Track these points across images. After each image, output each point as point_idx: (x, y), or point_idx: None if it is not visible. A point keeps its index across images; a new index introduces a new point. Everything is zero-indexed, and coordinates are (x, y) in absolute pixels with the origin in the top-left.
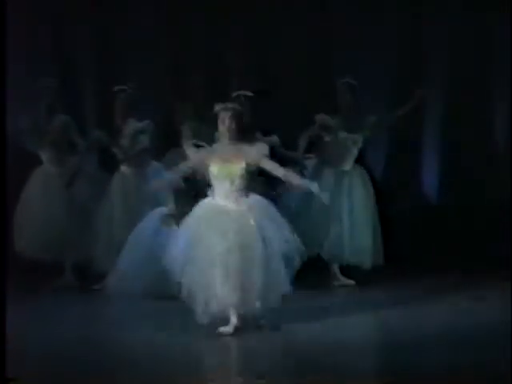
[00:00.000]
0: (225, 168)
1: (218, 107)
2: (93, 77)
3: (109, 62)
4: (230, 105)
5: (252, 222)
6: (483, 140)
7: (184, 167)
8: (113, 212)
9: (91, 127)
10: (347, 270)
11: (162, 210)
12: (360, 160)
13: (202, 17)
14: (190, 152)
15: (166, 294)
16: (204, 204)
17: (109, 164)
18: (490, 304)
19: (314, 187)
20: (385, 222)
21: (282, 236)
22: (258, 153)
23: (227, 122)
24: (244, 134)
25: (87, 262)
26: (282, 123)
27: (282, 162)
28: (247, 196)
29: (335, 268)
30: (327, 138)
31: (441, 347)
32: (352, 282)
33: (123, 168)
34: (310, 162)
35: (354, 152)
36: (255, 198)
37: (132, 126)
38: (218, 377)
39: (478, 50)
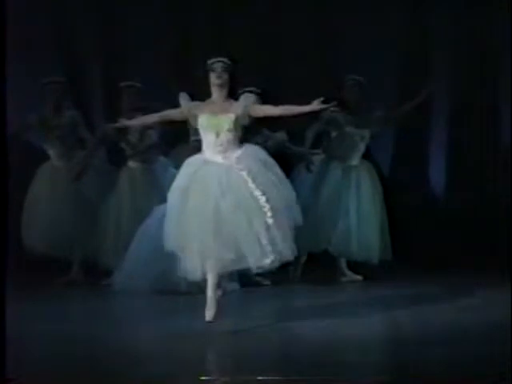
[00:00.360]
0: (213, 119)
1: (210, 61)
2: (100, 72)
3: (116, 58)
4: (222, 58)
5: (242, 173)
6: (489, 137)
7: (173, 111)
8: (120, 207)
9: (99, 123)
10: (355, 266)
11: None
12: (367, 155)
13: (207, 14)
14: (184, 101)
15: (172, 289)
16: (191, 160)
17: (117, 159)
18: (494, 301)
19: (313, 106)
20: (393, 217)
21: (280, 190)
22: (246, 102)
23: (219, 76)
24: (233, 93)
25: (95, 257)
26: (289, 119)
27: (290, 157)
28: (238, 148)
29: (342, 263)
30: (334, 134)
31: (446, 343)
32: (359, 277)
33: (131, 163)
34: (318, 158)
35: (362, 147)
36: (247, 149)
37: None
38: (219, 372)
39: (484, 48)
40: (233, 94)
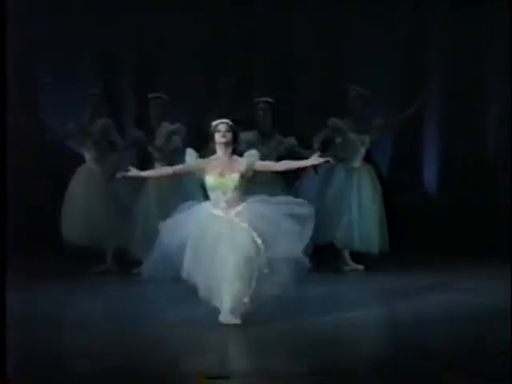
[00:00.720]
0: (219, 179)
1: (215, 122)
2: (131, 84)
3: (145, 71)
4: (225, 120)
5: (242, 224)
6: (480, 140)
7: (181, 167)
8: (148, 204)
9: (129, 129)
10: (357, 256)
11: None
12: (368, 158)
13: (226, 28)
14: (190, 158)
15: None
16: (199, 211)
17: (145, 161)
18: (490, 290)
19: (312, 160)
20: (391, 213)
21: (284, 236)
22: (249, 160)
23: (223, 135)
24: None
25: (126, 249)
26: (299, 126)
27: (299, 159)
28: (240, 203)
29: (346, 254)
30: (338, 139)
31: (441, 329)
32: (361, 266)
33: (158, 165)
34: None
35: (362, 151)
36: (248, 204)
37: (165, 128)
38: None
39: (479, 52)
40: (235, 152)
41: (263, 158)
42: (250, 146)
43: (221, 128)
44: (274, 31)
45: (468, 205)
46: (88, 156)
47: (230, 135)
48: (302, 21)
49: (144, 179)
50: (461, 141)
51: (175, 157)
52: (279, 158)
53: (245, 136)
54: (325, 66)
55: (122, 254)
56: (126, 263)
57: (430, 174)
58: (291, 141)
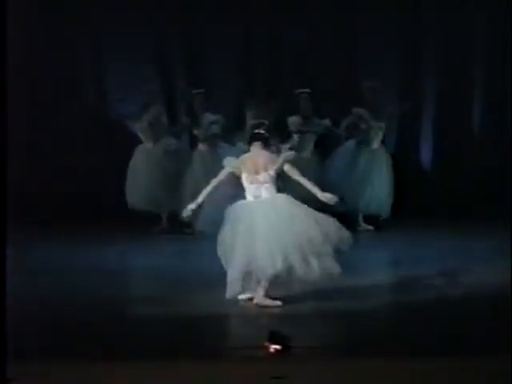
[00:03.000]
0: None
1: (250, 122)
2: (180, 80)
3: (192, 70)
4: (261, 120)
5: (281, 204)
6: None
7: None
8: (195, 177)
9: (179, 116)
10: (369, 219)
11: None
12: (384, 141)
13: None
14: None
15: None
16: (236, 206)
17: (191, 143)
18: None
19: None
20: (401, 184)
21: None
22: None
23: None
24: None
25: (178, 213)
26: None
27: (332, 139)
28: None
29: (360, 217)
30: (363, 126)
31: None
32: (371, 227)
33: (201, 146)
34: (350, 143)
35: (380, 135)
36: (282, 195)
37: (207, 118)
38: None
39: (478, 48)
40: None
41: (305, 135)
42: (296, 126)
43: (256, 129)
44: (300, 34)
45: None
46: (144, 137)
47: (265, 135)
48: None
49: (190, 156)
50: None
51: (215, 140)
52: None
53: (291, 120)
54: (345, 62)
55: (175, 217)
56: (178, 224)
57: (428, 151)
58: (326, 122)
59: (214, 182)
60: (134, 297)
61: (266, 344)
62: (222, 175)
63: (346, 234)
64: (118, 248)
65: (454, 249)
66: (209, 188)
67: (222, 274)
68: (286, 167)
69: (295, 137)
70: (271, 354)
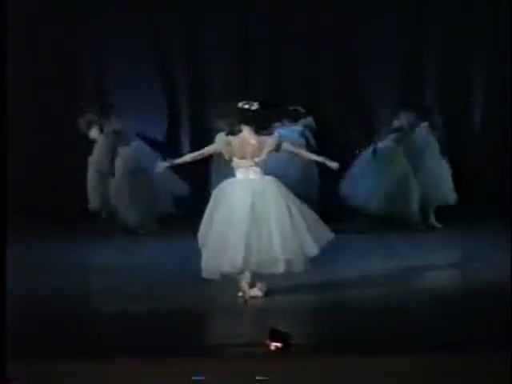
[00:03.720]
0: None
1: (241, 103)
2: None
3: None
4: (253, 102)
5: (273, 186)
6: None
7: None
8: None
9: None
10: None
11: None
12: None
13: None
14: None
15: None
16: (222, 186)
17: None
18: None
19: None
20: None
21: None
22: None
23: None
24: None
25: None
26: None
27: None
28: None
29: (431, 213)
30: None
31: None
32: (439, 225)
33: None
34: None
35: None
36: (270, 178)
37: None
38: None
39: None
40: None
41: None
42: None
43: (246, 111)
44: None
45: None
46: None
47: (256, 118)
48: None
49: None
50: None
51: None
52: None
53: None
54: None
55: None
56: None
57: None
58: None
59: (196, 153)
60: (133, 294)
61: (267, 342)
62: (207, 150)
63: (327, 232)
64: (117, 246)
65: None
66: (188, 157)
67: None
68: (285, 145)
69: None
70: (272, 351)
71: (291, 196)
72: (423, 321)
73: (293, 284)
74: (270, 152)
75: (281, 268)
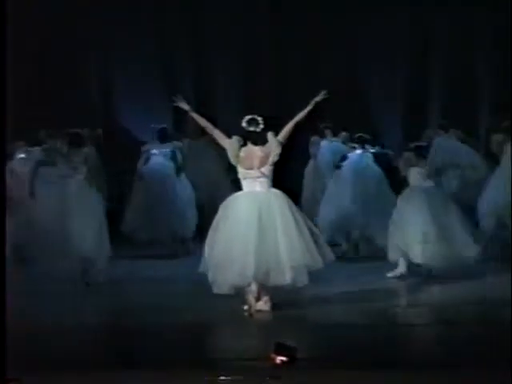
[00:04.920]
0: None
1: (246, 118)
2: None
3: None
4: (258, 119)
5: (279, 199)
6: None
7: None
8: None
9: None
10: None
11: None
12: None
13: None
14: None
15: None
16: (230, 199)
17: None
18: None
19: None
20: None
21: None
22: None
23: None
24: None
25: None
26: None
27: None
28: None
29: None
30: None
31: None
32: None
33: None
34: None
35: None
36: (276, 191)
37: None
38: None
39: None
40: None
41: None
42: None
43: (251, 123)
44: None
45: None
46: None
47: (260, 128)
48: None
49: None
50: None
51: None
52: None
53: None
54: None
55: None
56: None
57: None
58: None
59: (211, 125)
60: (136, 307)
61: (273, 355)
62: (219, 134)
63: (330, 253)
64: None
65: None
66: (203, 121)
67: None
68: (281, 136)
69: None
70: (277, 365)
71: (298, 210)
72: (425, 337)
73: (297, 298)
74: (276, 157)
75: (287, 278)
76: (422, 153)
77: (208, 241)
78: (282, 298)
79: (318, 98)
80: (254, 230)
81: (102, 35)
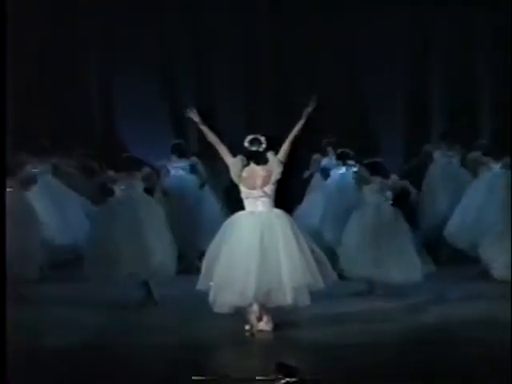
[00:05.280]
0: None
1: (248, 138)
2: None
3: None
4: (260, 138)
5: (281, 219)
6: None
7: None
8: None
9: None
10: None
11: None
12: None
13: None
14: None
15: None
16: (231, 219)
17: None
18: None
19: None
20: None
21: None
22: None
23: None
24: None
25: None
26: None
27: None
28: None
29: None
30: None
31: None
32: None
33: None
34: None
35: None
36: (278, 211)
37: None
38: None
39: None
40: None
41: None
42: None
43: (253, 146)
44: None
45: None
46: None
47: (262, 148)
48: None
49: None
50: None
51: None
52: None
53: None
54: None
55: None
56: None
57: None
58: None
59: (216, 140)
60: (137, 325)
61: (280, 376)
62: (224, 150)
63: (332, 272)
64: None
65: None
66: (211, 135)
67: None
68: (280, 155)
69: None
70: None
71: (300, 230)
72: (430, 356)
73: (299, 319)
74: (278, 176)
75: (289, 298)
76: (375, 169)
77: (207, 259)
78: (283, 319)
79: (309, 109)
80: (256, 250)
81: (102, 35)
